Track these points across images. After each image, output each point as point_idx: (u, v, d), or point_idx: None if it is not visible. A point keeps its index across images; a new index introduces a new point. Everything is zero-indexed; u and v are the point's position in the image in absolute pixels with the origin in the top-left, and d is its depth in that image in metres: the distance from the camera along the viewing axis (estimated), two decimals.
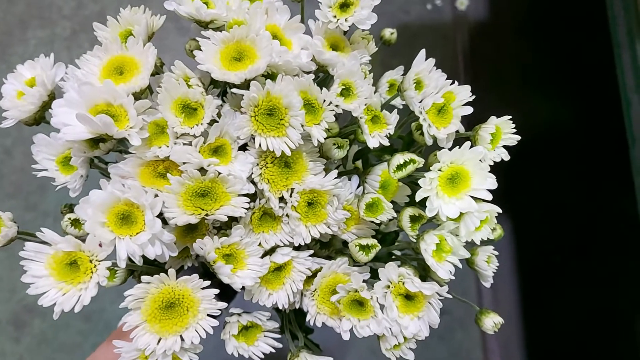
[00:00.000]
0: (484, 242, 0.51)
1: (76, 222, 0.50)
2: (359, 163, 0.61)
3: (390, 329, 0.49)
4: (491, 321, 0.54)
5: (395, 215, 0.51)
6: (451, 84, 0.50)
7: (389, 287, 0.49)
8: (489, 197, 0.48)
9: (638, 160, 0.98)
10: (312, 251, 0.52)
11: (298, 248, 0.52)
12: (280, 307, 0.51)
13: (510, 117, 0.51)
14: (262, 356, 0.50)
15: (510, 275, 1.33)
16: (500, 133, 0.52)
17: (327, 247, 0.56)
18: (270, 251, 0.51)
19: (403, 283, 0.49)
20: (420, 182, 0.48)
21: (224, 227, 0.50)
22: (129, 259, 0.44)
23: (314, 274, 0.52)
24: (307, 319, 0.52)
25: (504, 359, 1.35)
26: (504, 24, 1.53)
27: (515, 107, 1.37)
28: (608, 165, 1.17)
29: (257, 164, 0.48)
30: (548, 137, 1.28)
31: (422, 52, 0.51)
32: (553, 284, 1.33)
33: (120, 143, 0.49)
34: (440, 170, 0.48)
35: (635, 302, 1.11)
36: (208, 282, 0.45)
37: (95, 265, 0.44)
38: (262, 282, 0.50)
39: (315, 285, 0.51)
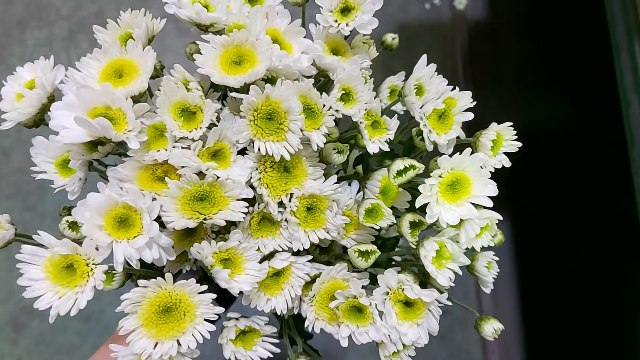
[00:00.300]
0: (484, 248, 0.51)
1: (74, 225, 0.50)
2: (360, 168, 0.60)
3: (389, 335, 0.49)
4: (491, 327, 0.54)
5: (395, 221, 0.50)
6: (452, 90, 0.50)
7: (388, 293, 0.49)
8: (490, 204, 0.48)
9: (637, 160, 0.98)
10: (311, 256, 0.51)
11: (297, 253, 0.51)
12: (279, 313, 0.50)
13: (511, 123, 0.51)
14: None
15: (510, 275, 1.33)
16: (501, 139, 0.51)
17: (327, 253, 0.56)
18: (269, 256, 0.50)
19: (402, 290, 0.48)
20: (420, 188, 0.48)
21: (222, 231, 0.50)
22: (127, 262, 0.43)
23: (313, 280, 0.52)
24: (305, 325, 0.52)
25: (504, 359, 1.34)
26: (503, 23, 1.52)
27: (514, 107, 1.36)
28: (608, 166, 1.16)
29: (256, 169, 0.48)
30: (546, 138, 1.28)
31: (424, 57, 0.51)
32: (553, 284, 1.32)
33: (119, 146, 0.49)
34: (440, 176, 0.48)
35: (635, 302, 1.11)
36: (205, 287, 0.45)
37: (91, 269, 0.44)
38: (260, 287, 0.50)
39: (314, 291, 0.51)
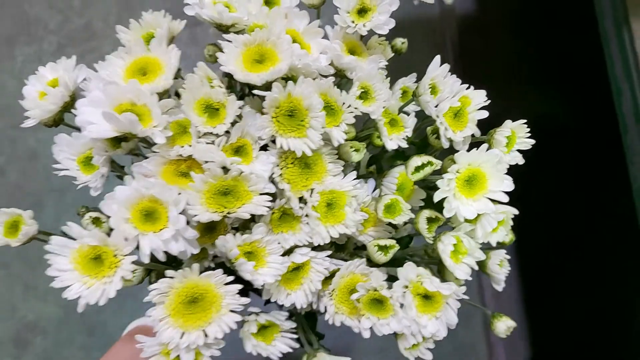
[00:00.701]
0: (495, 246, 0.52)
1: (97, 221, 0.50)
2: (373, 168, 0.61)
3: (409, 327, 0.49)
4: (504, 325, 0.55)
5: (412, 216, 0.51)
6: (467, 89, 0.51)
7: (407, 287, 0.50)
8: (506, 199, 0.49)
9: (631, 149, 0.98)
10: (330, 251, 0.52)
11: (315, 249, 0.52)
12: (298, 307, 0.51)
13: (525, 120, 0.52)
14: (281, 355, 0.50)
15: (512, 270, 1.33)
16: (515, 137, 0.53)
17: (342, 250, 0.56)
18: (288, 252, 0.51)
19: (421, 283, 0.49)
20: (438, 183, 0.49)
21: (241, 228, 0.51)
22: (152, 255, 0.44)
23: (331, 276, 0.52)
24: (325, 318, 0.52)
25: (509, 351, 1.34)
26: (492, 17, 1.52)
27: (506, 101, 1.36)
28: (605, 165, 1.17)
29: (278, 165, 0.49)
30: (542, 134, 1.28)
31: (437, 58, 0.52)
32: (553, 282, 1.32)
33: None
34: (458, 171, 0.49)
35: (634, 301, 1.11)
36: (232, 278, 0.46)
37: (119, 260, 0.44)
38: (281, 281, 0.50)
39: (333, 285, 0.51)
